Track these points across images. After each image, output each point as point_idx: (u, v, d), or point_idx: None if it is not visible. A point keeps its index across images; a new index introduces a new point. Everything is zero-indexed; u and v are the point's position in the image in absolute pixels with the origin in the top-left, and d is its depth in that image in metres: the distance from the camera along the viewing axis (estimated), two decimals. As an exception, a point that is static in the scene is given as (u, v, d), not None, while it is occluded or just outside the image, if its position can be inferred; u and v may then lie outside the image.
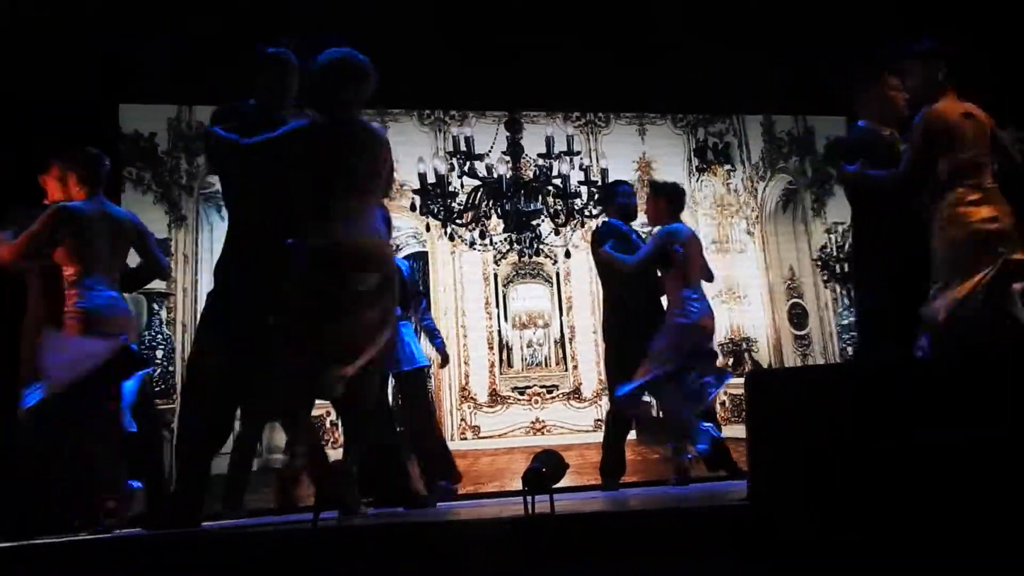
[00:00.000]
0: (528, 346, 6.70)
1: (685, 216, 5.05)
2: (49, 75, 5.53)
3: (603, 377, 6.60)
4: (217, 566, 2.25)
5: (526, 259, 6.27)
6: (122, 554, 2.50)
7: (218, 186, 6.26)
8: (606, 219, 5.13)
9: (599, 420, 6.49)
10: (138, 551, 2.52)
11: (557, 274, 6.82)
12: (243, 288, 3.25)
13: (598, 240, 4.91)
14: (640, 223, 5.21)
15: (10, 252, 3.77)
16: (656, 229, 4.87)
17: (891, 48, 3.78)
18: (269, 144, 3.23)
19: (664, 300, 4.83)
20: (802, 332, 7.04)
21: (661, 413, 5.14)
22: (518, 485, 2.52)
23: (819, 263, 7.10)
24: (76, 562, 2.43)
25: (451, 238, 5.63)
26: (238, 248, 3.37)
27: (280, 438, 6.10)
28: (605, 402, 6.55)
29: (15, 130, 5.32)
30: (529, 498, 2.44)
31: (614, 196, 5.08)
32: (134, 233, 4.07)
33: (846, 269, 7.06)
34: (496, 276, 6.72)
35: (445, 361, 5.34)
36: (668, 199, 4.81)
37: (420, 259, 6.65)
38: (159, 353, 6.00)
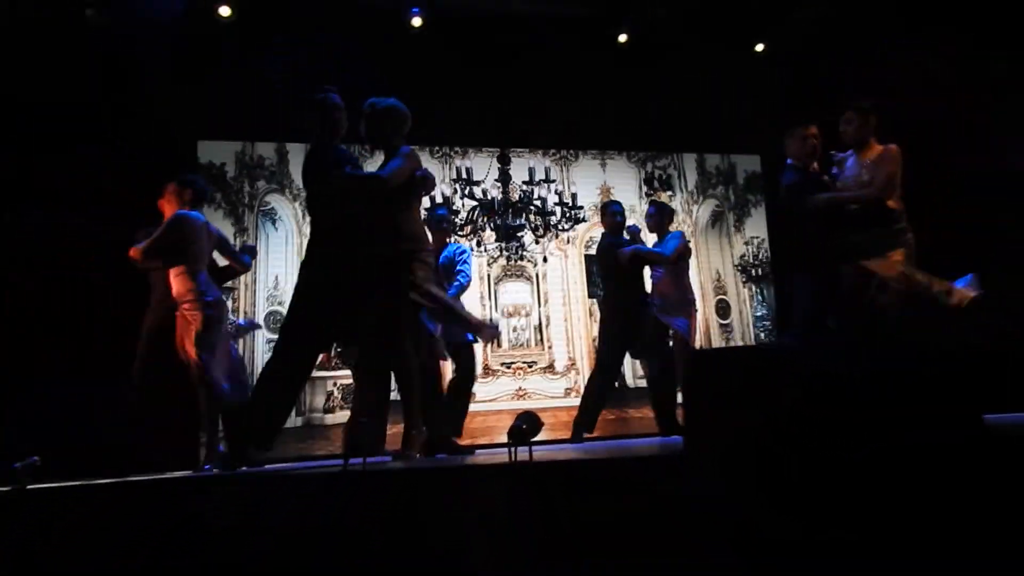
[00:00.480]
0: (513, 331, 6.67)
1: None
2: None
3: (572, 355, 6.61)
4: (259, 500, 2.21)
5: (513, 263, 6.23)
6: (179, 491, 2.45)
7: (273, 204, 6.26)
8: (606, 233, 5.05)
9: (568, 389, 6.49)
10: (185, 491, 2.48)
11: (536, 275, 6.79)
12: (321, 283, 3.14)
13: (615, 248, 4.83)
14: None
15: (139, 252, 3.81)
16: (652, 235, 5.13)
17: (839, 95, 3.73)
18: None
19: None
20: (726, 321, 7.04)
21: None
22: (505, 439, 2.49)
23: (739, 268, 7.12)
24: (156, 497, 2.38)
25: (454, 246, 5.60)
26: (318, 251, 3.25)
27: (319, 399, 6.07)
28: (574, 375, 6.56)
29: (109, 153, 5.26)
30: (513, 449, 2.41)
31: (610, 215, 5.00)
32: (217, 241, 4.04)
33: (760, 273, 7.08)
34: (489, 276, 6.69)
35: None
36: (671, 214, 5.19)
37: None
38: (225, 335, 5.94)
